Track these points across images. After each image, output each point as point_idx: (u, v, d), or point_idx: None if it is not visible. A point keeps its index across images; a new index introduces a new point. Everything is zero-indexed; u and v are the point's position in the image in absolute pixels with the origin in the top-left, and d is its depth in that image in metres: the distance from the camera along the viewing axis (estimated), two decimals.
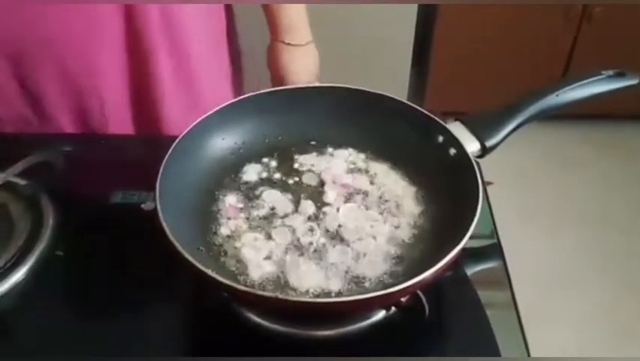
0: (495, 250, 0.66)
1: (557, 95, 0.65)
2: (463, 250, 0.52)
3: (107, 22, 0.78)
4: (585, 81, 0.66)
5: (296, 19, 0.89)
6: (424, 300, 0.57)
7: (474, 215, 0.54)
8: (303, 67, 0.90)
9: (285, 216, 0.63)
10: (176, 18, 0.82)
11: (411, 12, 1.84)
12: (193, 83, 0.88)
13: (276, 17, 0.89)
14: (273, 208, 0.63)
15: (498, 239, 0.67)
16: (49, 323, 0.59)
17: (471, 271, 0.64)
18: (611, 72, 0.67)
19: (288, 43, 0.89)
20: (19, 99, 0.82)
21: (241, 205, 0.64)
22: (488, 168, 0.67)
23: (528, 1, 1.86)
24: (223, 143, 0.69)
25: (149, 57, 0.82)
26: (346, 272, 0.57)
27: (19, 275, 0.61)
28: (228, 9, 0.93)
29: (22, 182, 0.69)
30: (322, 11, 1.78)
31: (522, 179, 2.04)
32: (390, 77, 1.92)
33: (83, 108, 0.83)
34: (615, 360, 1.56)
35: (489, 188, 0.68)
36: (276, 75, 0.92)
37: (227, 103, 0.68)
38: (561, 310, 1.69)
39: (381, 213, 0.63)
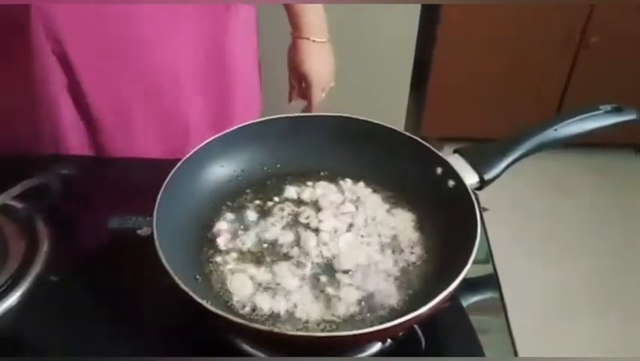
0: (491, 280, 0.66)
1: (555, 130, 0.65)
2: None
3: (193, 37, 0.81)
4: (583, 116, 0.67)
5: (318, 17, 0.93)
6: (419, 332, 0.56)
7: (472, 249, 0.54)
8: (324, 65, 0.94)
9: (283, 245, 0.62)
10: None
11: (410, 37, 1.86)
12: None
13: (299, 15, 0.92)
14: (271, 238, 0.63)
15: (494, 266, 0.68)
16: (43, 348, 0.59)
17: (467, 301, 0.64)
18: (608, 107, 0.68)
19: (312, 40, 0.92)
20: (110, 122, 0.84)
21: (239, 234, 0.64)
22: (484, 194, 0.67)
23: (528, 3, 1.84)
24: (222, 170, 0.69)
25: (231, 75, 0.87)
26: (344, 303, 0.57)
27: (12, 300, 0.61)
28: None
29: (18, 205, 0.69)
30: None
31: (517, 205, 2.04)
32: (389, 103, 1.93)
33: (168, 129, 0.86)
34: (603, 360, 1.55)
35: (484, 214, 0.68)
36: (297, 72, 0.95)
37: (227, 131, 0.68)
38: (557, 337, 1.68)
39: (379, 244, 0.63)
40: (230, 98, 0.90)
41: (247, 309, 0.56)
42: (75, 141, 0.84)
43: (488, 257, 0.68)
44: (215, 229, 0.64)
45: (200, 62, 0.84)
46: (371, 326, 0.51)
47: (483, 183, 0.64)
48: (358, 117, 0.69)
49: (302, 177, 0.70)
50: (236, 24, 0.86)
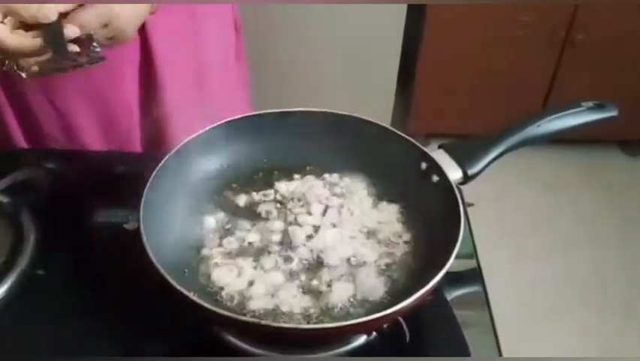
0: (475, 274, 0.67)
1: (538, 126, 0.66)
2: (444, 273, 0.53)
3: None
4: (565, 112, 0.68)
5: None
6: (404, 325, 0.57)
7: (455, 244, 0.55)
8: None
9: (270, 239, 0.63)
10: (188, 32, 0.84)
11: (397, 33, 1.87)
12: (206, 97, 0.89)
13: None
14: (257, 232, 0.64)
15: (477, 262, 0.68)
16: (29, 342, 0.59)
17: (451, 294, 0.65)
18: (590, 104, 0.69)
19: None
20: (47, 116, 0.81)
21: (226, 228, 0.64)
22: (469, 189, 0.68)
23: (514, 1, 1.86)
24: (209, 164, 0.69)
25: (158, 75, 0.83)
26: (330, 296, 0.58)
27: None
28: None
29: (4, 199, 0.69)
30: (309, 31, 1.80)
31: (502, 200, 2.06)
32: (376, 99, 1.93)
33: (110, 122, 0.84)
34: (587, 360, 1.57)
35: (469, 209, 0.69)
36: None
37: (213, 125, 0.68)
38: (539, 331, 1.70)
39: (364, 237, 0.64)
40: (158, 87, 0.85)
41: (234, 302, 0.57)
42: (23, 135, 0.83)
43: (473, 253, 0.69)
44: (202, 223, 0.64)
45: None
46: (356, 318, 0.51)
47: (467, 178, 0.65)
48: (345, 113, 0.70)
49: (288, 171, 0.71)
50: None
